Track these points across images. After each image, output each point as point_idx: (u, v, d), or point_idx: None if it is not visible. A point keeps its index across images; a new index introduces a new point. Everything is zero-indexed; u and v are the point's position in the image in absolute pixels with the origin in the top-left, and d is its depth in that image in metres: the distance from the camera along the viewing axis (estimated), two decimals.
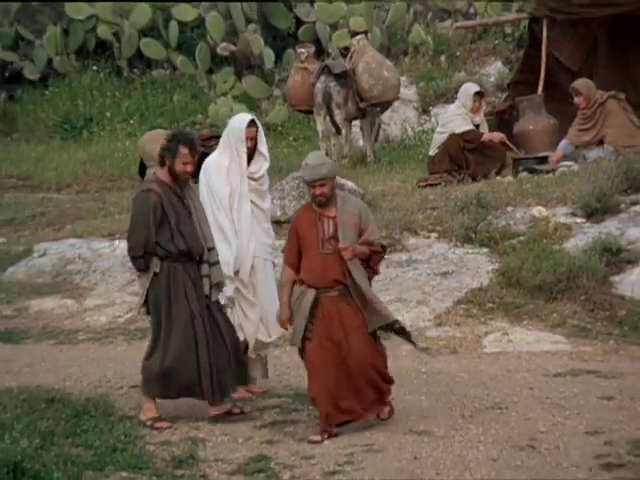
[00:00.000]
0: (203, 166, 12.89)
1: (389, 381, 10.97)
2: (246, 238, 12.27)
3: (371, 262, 10.44)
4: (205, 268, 11.03)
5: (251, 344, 12.25)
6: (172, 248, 10.85)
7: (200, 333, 10.81)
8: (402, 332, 10.76)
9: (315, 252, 10.31)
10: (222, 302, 11.28)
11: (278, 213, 16.95)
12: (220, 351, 10.88)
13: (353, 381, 10.46)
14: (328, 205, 10.28)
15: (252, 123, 12.70)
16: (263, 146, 12.94)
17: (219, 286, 11.14)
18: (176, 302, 10.86)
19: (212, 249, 11.33)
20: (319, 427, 10.65)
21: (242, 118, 13.04)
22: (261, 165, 12.73)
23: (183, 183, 11.30)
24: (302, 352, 10.57)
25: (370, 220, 10.41)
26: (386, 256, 15.35)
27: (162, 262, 10.93)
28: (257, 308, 12.33)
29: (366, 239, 10.19)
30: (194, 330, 10.83)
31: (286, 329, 10.90)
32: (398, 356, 13.86)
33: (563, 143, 18.67)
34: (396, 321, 10.60)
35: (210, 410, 11.30)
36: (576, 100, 18.55)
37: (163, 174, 11.30)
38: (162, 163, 11.41)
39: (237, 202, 12.33)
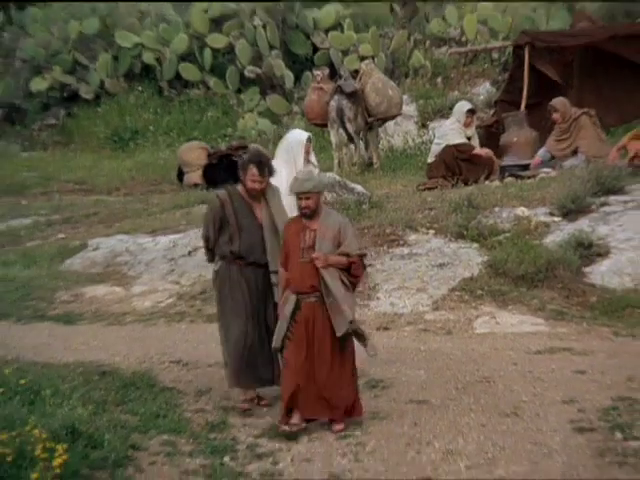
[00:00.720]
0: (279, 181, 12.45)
1: (349, 396, 10.59)
2: None
3: (352, 270, 10.21)
4: (274, 277, 10.70)
5: None
6: (228, 250, 10.66)
7: (250, 333, 10.68)
8: (358, 334, 10.35)
9: (296, 260, 10.11)
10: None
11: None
12: (267, 347, 10.64)
13: (318, 386, 10.23)
14: (313, 217, 10.11)
15: (309, 139, 12.94)
16: (313, 157, 13.33)
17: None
18: (232, 299, 10.71)
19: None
20: (283, 419, 10.41)
21: (301, 134, 13.24)
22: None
23: (255, 197, 10.95)
24: (282, 351, 10.33)
25: (349, 234, 10.21)
26: (396, 250, 15.63)
27: (221, 261, 10.77)
28: None
29: (343, 250, 10.00)
30: (247, 329, 10.69)
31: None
32: (400, 337, 13.86)
33: (542, 151, 18.75)
34: (352, 321, 10.16)
35: (243, 396, 11.09)
36: (554, 116, 18.59)
37: (241, 187, 11.05)
38: (240, 176, 11.14)
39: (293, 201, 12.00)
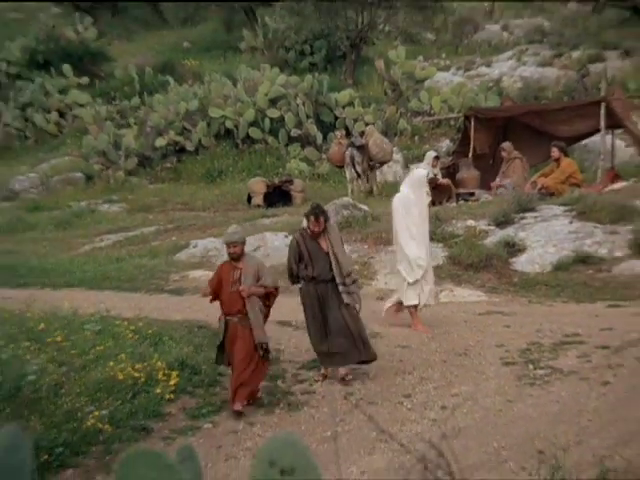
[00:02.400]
0: (398, 197, 12.38)
1: (254, 381, 9.88)
2: (425, 240, 12.25)
3: (268, 299, 9.94)
4: (342, 288, 10.38)
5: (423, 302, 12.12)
6: (305, 274, 10.44)
7: (322, 329, 10.39)
8: (266, 350, 9.84)
9: (227, 290, 9.77)
10: (353, 303, 10.50)
11: None
12: (338, 336, 10.34)
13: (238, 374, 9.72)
14: (238, 260, 9.80)
15: (427, 175, 12.69)
16: (438, 172, 13.26)
17: (352, 297, 10.42)
18: (310, 308, 10.47)
19: (348, 275, 10.53)
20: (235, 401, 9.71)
21: (421, 172, 12.78)
22: (426, 198, 12.40)
23: (318, 235, 10.46)
24: (217, 356, 10.02)
25: (264, 271, 9.96)
26: (389, 248, 15.55)
27: (303, 282, 10.52)
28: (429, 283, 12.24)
29: (262, 283, 9.71)
30: (320, 325, 10.42)
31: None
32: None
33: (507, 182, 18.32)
34: (264, 342, 9.75)
35: (336, 373, 10.54)
36: (502, 153, 18.29)
37: (308, 229, 10.61)
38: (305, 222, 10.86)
39: (419, 218, 12.09)
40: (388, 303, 12.44)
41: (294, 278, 10.64)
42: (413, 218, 12.06)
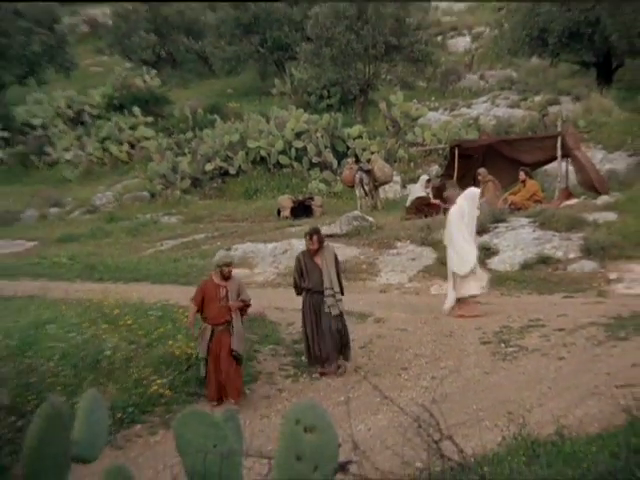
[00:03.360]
0: (455, 208, 11.97)
1: (237, 386, 9.34)
2: (473, 241, 11.94)
3: (244, 310, 9.46)
4: (329, 300, 9.89)
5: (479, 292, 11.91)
6: (304, 285, 10.06)
7: (314, 329, 9.97)
8: (239, 357, 9.36)
9: (215, 305, 9.21)
10: (333, 313, 9.93)
11: (338, 231, 16.46)
12: (326, 339, 9.92)
13: (222, 376, 9.20)
14: (228, 279, 9.32)
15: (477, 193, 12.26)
16: (492, 188, 12.47)
17: (332, 308, 9.87)
18: (307, 313, 10.08)
19: (331, 289, 10.01)
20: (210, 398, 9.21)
21: (476, 190, 12.45)
22: (476, 211, 12.11)
23: (314, 253, 10.04)
24: (206, 361, 9.23)
25: (244, 289, 9.51)
26: (390, 251, 15.42)
27: (304, 292, 10.11)
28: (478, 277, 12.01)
29: (242, 298, 9.29)
30: (312, 327, 10.02)
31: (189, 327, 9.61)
32: (392, 296, 13.66)
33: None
34: (238, 352, 9.23)
35: (319, 369, 10.08)
36: (479, 177, 17.94)
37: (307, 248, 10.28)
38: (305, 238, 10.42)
39: (470, 224, 11.81)
40: (448, 304, 11.90)
41: (298, 289, 10.24)
42: (466, 224, 11.78)
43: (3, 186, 29.41)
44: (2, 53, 35.57)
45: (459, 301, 11.82)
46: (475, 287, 11.84)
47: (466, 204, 11.83)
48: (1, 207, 26.25)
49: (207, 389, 9.29)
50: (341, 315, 10.03)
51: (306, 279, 10.05)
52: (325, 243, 10.31)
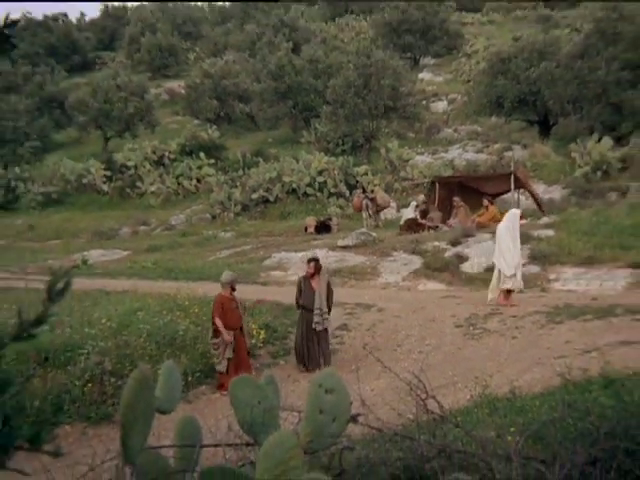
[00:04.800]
0: (502, 224, 11.32)
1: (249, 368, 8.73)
2: (518, 250, 11.30)
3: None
4: (316, 317, 9.25)
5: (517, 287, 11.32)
6: (300, 303, 9.44)
7: (304, 340, 9.36)
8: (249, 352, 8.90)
9: (233, 314, 8.77)
10: (317, 329, 9.32)
11: (350, 243, 16.17)
12: (314, 347, 9.33)
13: (241, 366, 8.47)
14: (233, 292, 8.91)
15: (520, 213, 11.72)
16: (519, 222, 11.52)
17: (317, 325, 9.25)
18: (300, 326, 9.49)
19: (320, 309, 9.29)
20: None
21: (516, 211, 11.78)
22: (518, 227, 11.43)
23: (313, 276, 9.41)
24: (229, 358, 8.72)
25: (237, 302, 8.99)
26: (388, 258, 15.05)
27: (300, 308, 9.50)
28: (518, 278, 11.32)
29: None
30: (302, 335, 9.41)
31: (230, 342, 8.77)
32: (389, 292, 13.49)
33: (456, 221, 17.44)
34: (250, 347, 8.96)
35: (301, 368, 9.38)
36: (454, 204, 17.66)
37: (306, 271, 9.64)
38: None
39: (514, 238, 11.24)
40: (492, 294, 11.34)
41: (297, 305, 9.59)
42: (512, 238, 11.25)
43: (107, 211, 29.78)
44: (107, 116, 36.67)
45: (504, 292, 11.36)
46: (515, 284, 11.35)
47: (510, 222, 11.38)
48: (106, 226, 26.51)
49: (222, 379, 8.56)
50: (325, 331, 9.39)
51: (302, 298, 9.43)
52: (322, 269, 9.63)
